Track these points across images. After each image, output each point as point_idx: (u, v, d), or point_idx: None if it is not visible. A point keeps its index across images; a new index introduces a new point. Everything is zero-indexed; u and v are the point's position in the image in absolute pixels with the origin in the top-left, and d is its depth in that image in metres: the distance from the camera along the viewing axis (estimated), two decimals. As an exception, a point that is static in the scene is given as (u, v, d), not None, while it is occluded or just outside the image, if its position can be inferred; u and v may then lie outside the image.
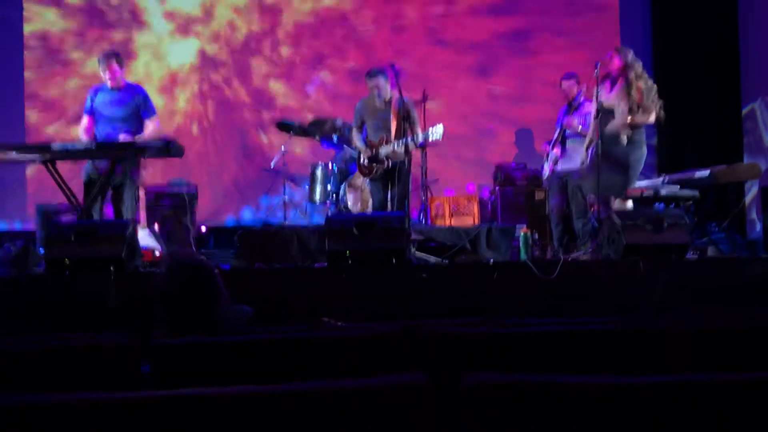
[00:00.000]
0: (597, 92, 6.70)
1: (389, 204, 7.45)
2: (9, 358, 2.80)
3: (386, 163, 7.31)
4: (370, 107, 7.50)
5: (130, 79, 7.48)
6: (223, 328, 3.06)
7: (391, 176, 7.33)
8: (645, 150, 6.82)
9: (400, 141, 7.15)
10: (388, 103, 7.38)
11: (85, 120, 6.87)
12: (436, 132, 7.06)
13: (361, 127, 7.59)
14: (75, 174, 6.86)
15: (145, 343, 2.79)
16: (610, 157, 6.61)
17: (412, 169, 7.31)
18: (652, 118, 6.70)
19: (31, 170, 9.31)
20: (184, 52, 9.98)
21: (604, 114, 6.66)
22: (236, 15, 10.01)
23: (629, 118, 6.60)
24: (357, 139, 7.61)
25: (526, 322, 3.12)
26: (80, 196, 6.54)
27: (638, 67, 6.73)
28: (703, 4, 9.50)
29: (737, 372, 1.83)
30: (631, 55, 6.75)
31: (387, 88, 7.34)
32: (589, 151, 6.85)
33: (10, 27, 9.77)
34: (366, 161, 7.46)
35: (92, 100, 6.84)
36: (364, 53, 9.90)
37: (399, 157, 7.24)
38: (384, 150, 7.31)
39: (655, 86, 6.74)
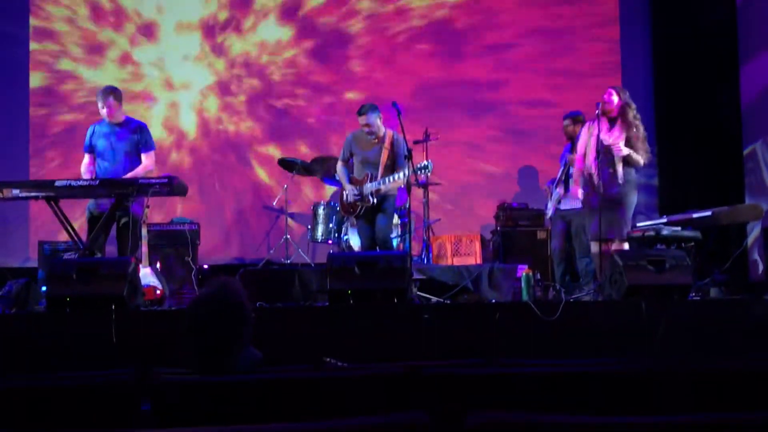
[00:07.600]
0: (597, 131, 6.73)
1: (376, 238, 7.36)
2: (9, 395, 2.80)
3: (371, 200, 7.18)
4: (362, 141, 7.34)
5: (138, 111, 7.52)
6: (240, 368, 3.06)
7: (377, 210, 7.24)
8: (636, 193, 6.86)
9: (387, 179, 7.09)
10: (382, 139, 7.25)
11: (86, 158, 6.91)
12: (426, 169, 7.03)
13: (347, 160, 7.43)
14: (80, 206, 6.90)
15: (145, 381, 2.79)
16: (608, 198, 6.63)
17: (413, 207, 7.29)
18: (642, 160, 6.74)
19: (34, 207, 9.30)
20: (189, 82, 10.03)
21: (604, 154, 6.68)
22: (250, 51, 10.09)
23: (629, 151, 6.64)
24: (341, 174, 7.44)
25: (528, 362, 3.11)
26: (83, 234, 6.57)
27: (635, 108, 6.80)
28: (704, 47, 9.57)
29: (738, 413, 1.83)
30: (627, 95, 6.82)
31: (378, 125, 7.21)
32: (585, 191, 6.89)
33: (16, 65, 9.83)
34: (349, 198, 7.32)
35: (91, 138, 6.89)
36: (365, 88, 9.94)
37: (390, 192, 7.18)
38: (368, 187, 7.20)
39: (644, 131, 6.83)
